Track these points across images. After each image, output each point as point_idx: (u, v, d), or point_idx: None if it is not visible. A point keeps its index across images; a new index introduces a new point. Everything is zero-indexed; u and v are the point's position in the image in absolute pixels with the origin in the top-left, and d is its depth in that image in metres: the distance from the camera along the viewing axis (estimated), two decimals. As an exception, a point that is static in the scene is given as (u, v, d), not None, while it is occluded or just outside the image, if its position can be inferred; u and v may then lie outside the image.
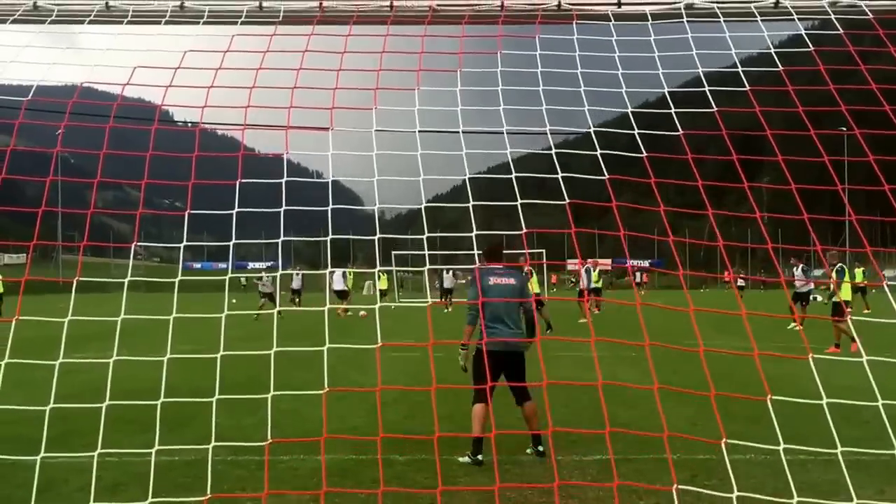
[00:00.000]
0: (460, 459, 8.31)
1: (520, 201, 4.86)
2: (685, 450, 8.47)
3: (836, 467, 4.62)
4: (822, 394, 4.46)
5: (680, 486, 5.73)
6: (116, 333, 4.96)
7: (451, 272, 46.22)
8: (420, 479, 7.72)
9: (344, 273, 39.78)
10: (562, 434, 9.01)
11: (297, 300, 40.14)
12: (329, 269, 38.63)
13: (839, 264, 21.08)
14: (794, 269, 27.63)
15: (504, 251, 9.35)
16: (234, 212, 4.98)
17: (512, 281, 8.89)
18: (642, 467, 7.95)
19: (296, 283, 41.21)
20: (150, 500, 4.77)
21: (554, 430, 5.20)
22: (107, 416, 4.86)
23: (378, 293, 45.21)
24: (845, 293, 21.34)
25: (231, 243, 5.30)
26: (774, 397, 4.45)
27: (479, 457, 8.31)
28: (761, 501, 5.76)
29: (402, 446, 8.70)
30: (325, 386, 4.79)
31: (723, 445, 4.77)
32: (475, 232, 5.03)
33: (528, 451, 8.62)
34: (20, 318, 5.18)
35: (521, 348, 8.62)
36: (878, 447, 4.70)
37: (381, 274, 47.76)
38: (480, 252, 8.88)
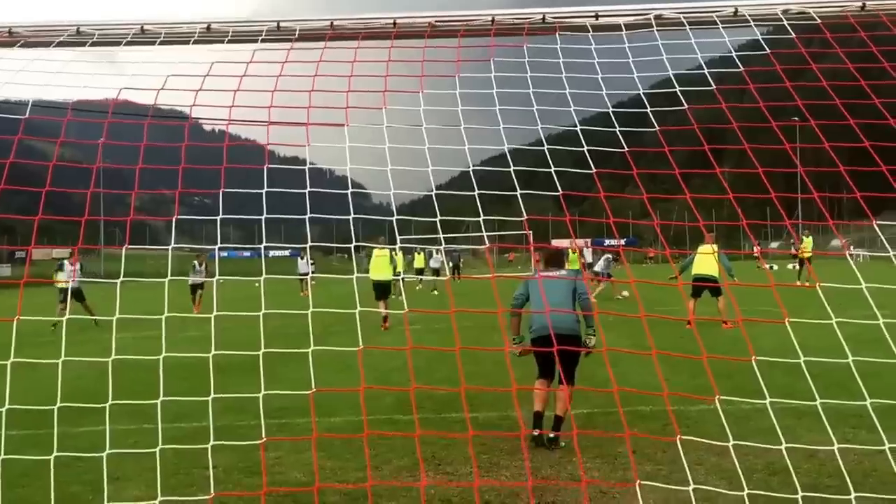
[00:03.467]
0: (534, 433, 7.67)
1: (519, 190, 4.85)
2: (656, 403, 8.51)
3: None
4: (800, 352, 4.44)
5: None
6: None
7: (439, 252, 42.03)
8: (422, 434, 7.80)
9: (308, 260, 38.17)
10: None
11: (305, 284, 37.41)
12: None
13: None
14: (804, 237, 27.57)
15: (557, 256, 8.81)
16: (263, 191, 4.94)
17: (563, 273, 8.25)
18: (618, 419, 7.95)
19: (302, 268, 38.68)
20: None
21: (576, 388, 5.30)
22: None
23: (414, 271, 42.19)
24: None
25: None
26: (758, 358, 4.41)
27: (536, 431, 7.67)
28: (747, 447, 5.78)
29: (407, 407, 8.72)
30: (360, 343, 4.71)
31: (717, 400, 4.75)
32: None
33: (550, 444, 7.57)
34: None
35: (572, 332, 7.72)
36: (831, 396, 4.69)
37: (419, 252, 43.90)
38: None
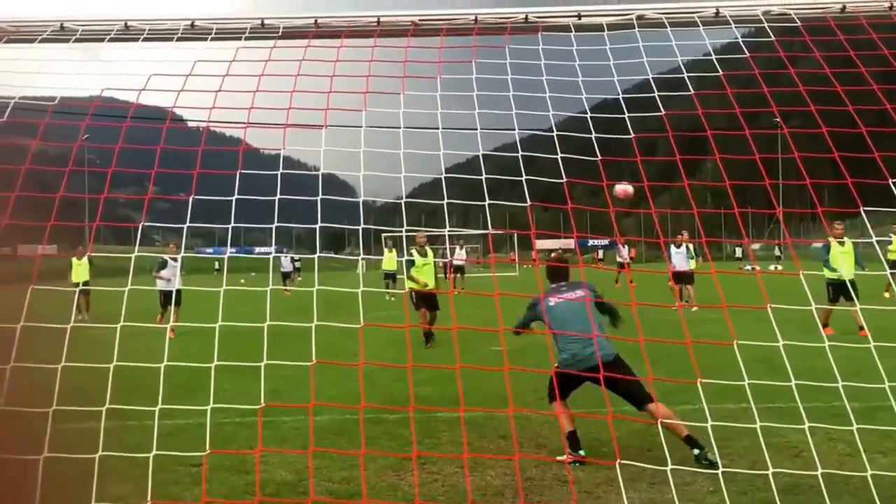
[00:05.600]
0: (562, 459, 6.90)
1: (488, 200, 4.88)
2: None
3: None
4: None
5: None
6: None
7: (462, 248, 38.35)
8: (407, 433, 7.81)
9: (291, 257, 39.67)
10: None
11: (288, 282, 37.55)
12: (275, 253, 38.12)
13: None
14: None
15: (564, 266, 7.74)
16: (233, 198, 4.94)
17: (578, 293, 7.36)
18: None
19: (286, 266, 39.71)
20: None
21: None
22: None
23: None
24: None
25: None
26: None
27: (581, 451, 6.92)
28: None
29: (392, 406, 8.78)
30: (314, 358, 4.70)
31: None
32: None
33: (703, 461, 6.40)
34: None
35: (606, 358, 6.62)
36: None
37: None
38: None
